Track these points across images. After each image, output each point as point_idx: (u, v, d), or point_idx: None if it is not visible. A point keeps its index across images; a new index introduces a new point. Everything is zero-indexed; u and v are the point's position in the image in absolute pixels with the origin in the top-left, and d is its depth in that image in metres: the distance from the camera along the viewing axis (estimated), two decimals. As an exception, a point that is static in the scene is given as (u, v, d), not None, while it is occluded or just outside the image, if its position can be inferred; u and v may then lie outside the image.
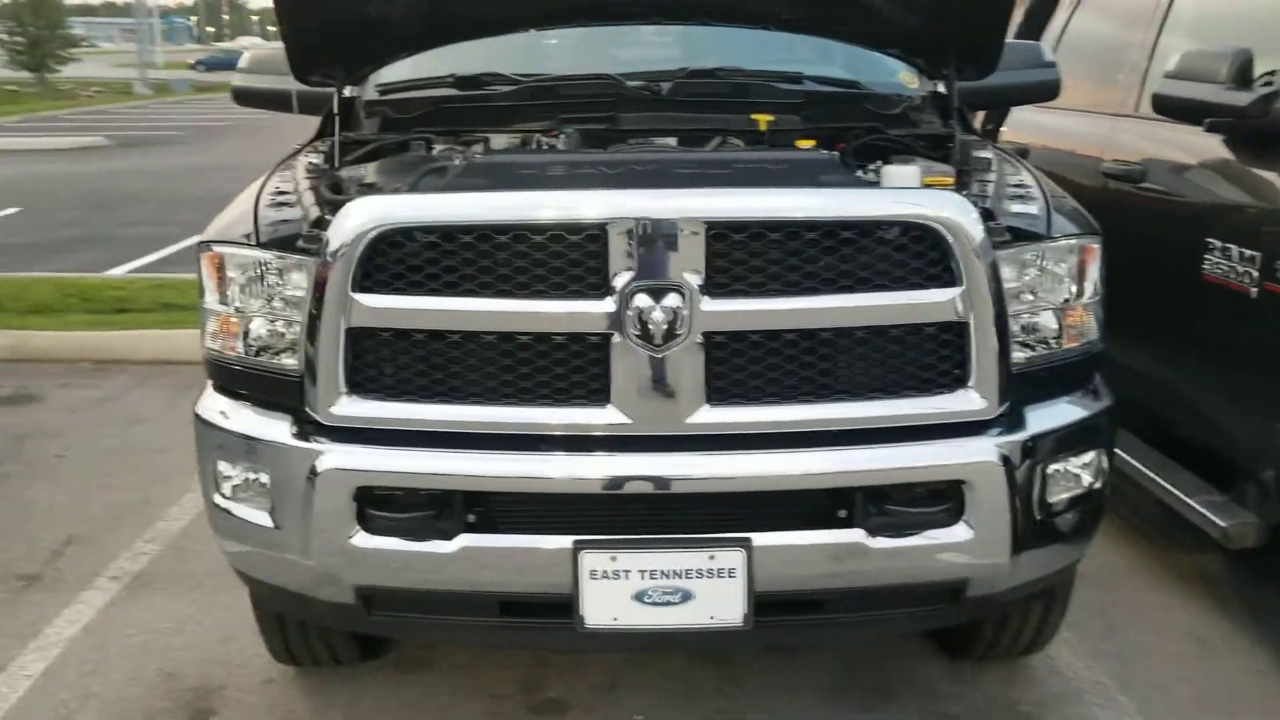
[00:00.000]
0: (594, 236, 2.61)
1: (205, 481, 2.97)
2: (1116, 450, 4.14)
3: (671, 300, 2.59)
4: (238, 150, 19.93)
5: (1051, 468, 2.87)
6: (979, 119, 5.79)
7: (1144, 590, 4.20)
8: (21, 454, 5.78)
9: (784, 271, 2.66)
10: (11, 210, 14.26)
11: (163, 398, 6.53)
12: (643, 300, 2.59)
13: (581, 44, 4.30)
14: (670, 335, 2.61)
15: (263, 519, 2.84)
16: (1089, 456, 2.95)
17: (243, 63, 4.47)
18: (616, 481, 2.67)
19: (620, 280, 2.60)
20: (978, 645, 3.52)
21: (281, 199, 3.06)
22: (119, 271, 9.94)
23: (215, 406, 2.97)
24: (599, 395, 2.68)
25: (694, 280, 2.60)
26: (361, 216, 2.64)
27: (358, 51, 3.58)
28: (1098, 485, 2.99)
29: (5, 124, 28.88)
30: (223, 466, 2.91)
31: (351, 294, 2.66)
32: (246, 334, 2.88)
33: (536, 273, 2.64)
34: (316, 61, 3.55)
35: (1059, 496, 2.90)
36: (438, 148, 3.55)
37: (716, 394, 2.68)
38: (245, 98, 4.38)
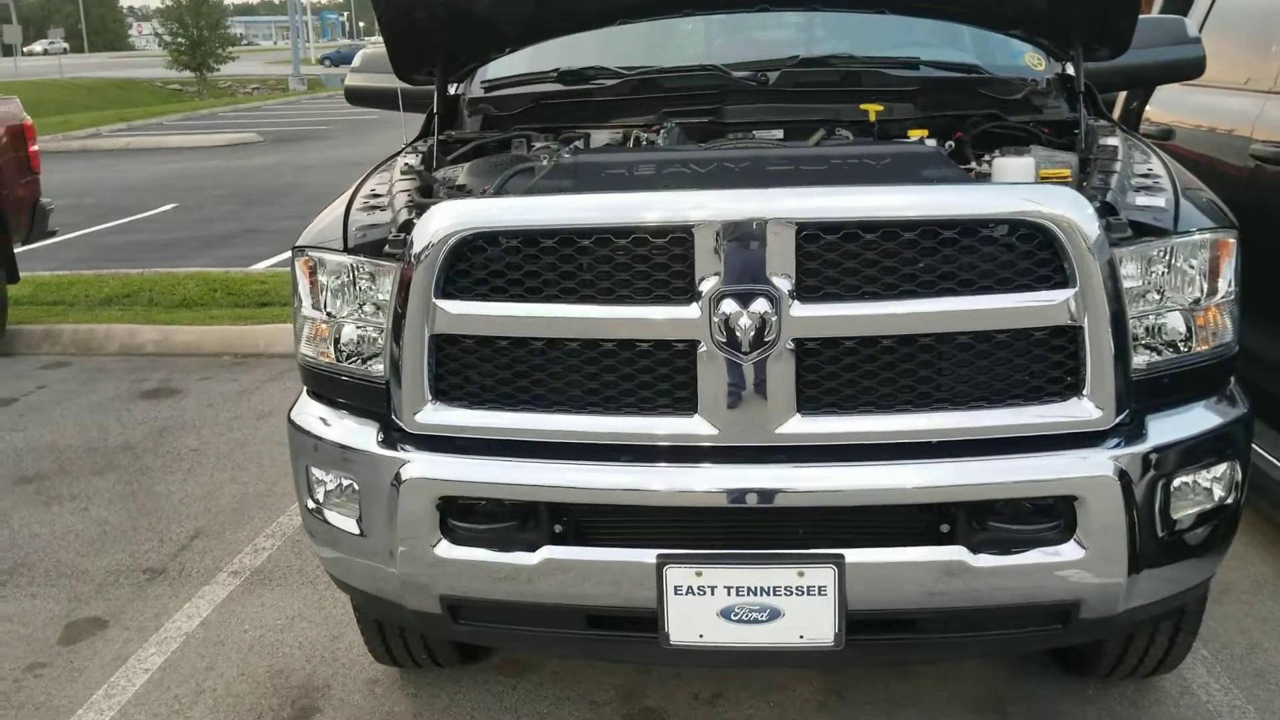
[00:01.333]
0: (679, 239, 2.50)
1: (299, 486, 2.98)
2: (1265, 453, 3.88)
3: (760, 305, 2.47)
4: (383, 143, 20.37)
5: (1177, 481, 2.65)
6: (1120, 99, 5.48)
7: (1293, 605, 3.91)
8: (161, 447, 5.98)
9: (880, 274, 2.51)
10: (169, 206, 14.88)
11: (295, 390, 6.63)
12: (730, 306, 2.48)
13: (692, 34, 4.19)
14: (759, 342, 2.49)
15: (351, 525, 2.83)
16: (1220, 469, 2.72)
17: (356, 61, 4.49)
18: (702, 494, 2.57)
19: (707, 285, 2.49)
20: (1102, 664, 3.31)
21: (374, 202, 3.03)
22: (263, 266, 10.25)
23: (308, 412, 2.97)
24: (685, 404, 2.58)
25: (784, 284, 2.48)
26: (443, 221, 2.59)
27: (456, 49, 3.55)
28: (1229, 500, 2.75)
29: (166, 122, 30.20)
30: (315, 472, 2.91)
31: (435, 300, 2.61)
32: (337, 340, 2.87)
33: (620, 277, 2.55)
34: (417, 59, 3.53)
35: (1185, 512, 2.68)
36: (537, 145, 3.49)
37: (808, 403, 2.55)
38: (357, 97, 4.40)
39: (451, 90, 3.87)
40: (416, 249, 2.60)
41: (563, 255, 2.57)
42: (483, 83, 3.96)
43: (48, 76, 41.34)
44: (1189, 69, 3.96)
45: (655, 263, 2.53)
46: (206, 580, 4.41)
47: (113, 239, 12.58)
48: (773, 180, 2.71)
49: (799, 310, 2.49)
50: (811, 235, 2.48)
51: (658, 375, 2.59)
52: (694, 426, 2.57)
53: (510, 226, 2.59)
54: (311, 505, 2.94)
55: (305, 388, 3.05)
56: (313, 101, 38.10)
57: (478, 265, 2.61)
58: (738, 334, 2.48)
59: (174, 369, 7.48)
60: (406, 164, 3.28)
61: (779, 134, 3.47)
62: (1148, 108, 5.44)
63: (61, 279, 9.49)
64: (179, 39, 41.84)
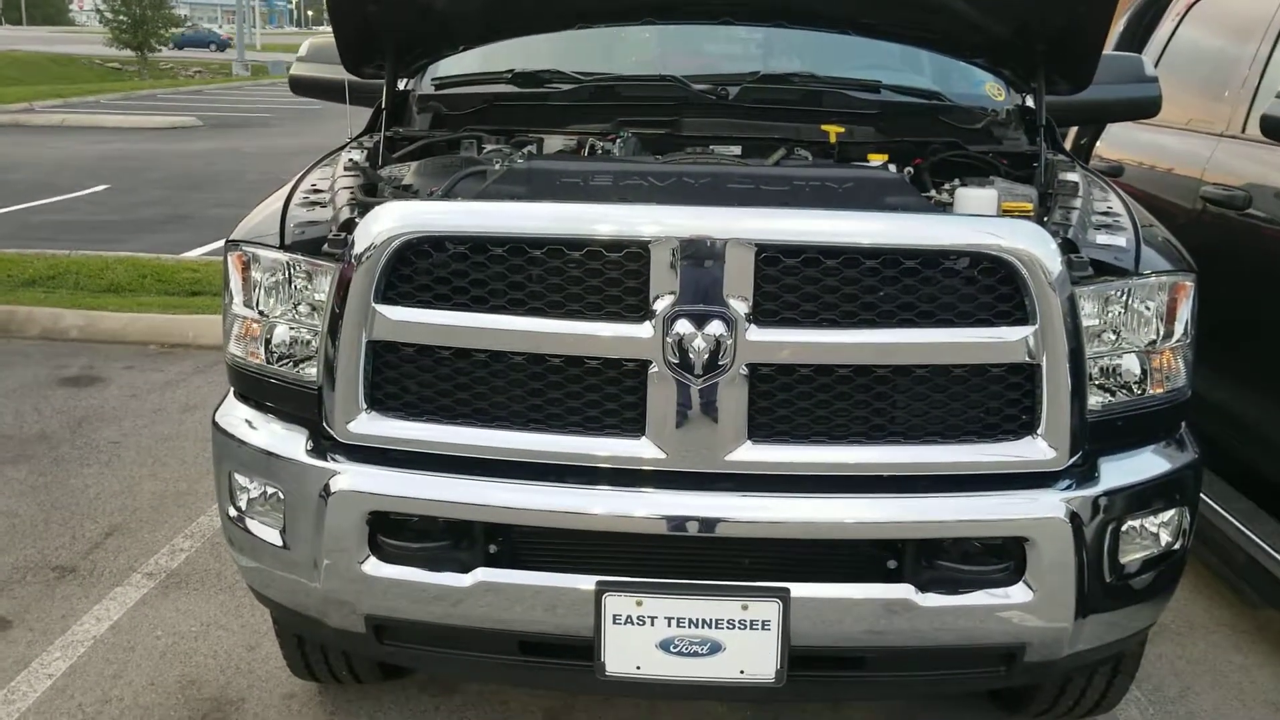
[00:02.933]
0: (634, 255, 2.41)
1: (220, 492, 2.84)
2: (1202, 495, 3.87)
3: (715, 328, 2.39)
4: (327, 135, 20.06)
5: (1126, 526, 2.61)
6: (1071, 134, 5.49)
7: (1224, 649, 3.90)
8: (79, 438, 5.76)
9: (840, 301, 2.44)
10: (101, 187, 14.50)
11: (223, 383, 6.44)
12: (684, 326, 2.39)
13: (652, 43, 4.11)
14: (712, 365, 2.40)
15: (273, 536, 2.70)
16: (1169, 515, 2.69)
17: (303, 50, 4.35)
18: (646, 520, 2.48)
19: (661, 304, 2.40)
20: (1037, 703, 3.26)
21: (315, 198, 2.90)
22: (196, 254, 9.99)
23: (234, 414, 2.84)
24: (633, 426, 2.48)
25: (740, 307, 2.39)
26: (387, 222, 2.47)
27: (408, 43, 3.44)
28: (1177, 546, 2.72)
29: (103, 101, 29.52)
30: (238, 478, 2.77)
31: (375, 304, 2.49)
32: (269, 340, 2.73)
33: (571, 291, 2.45)
34: (366, 52, 3.40)
35: (1132, 557, 2.64)
36: (488, 148, 3.38)
37: (760, 430, 2.47)
38: (302, 87, 4.26)
39: (401, 85, 3.76)
40: (357, 250, 2.48)
41: (512, 265, 2.46)
42: (434, 80, 3.84)
43: (-19, 48, 40.28)
44: (1145, 107, 3.96)
45: (608, 278, 2.43)
46: (119, 581, 4.22)
47: (40, 218, 12.22)
48: (733, 199, 2.63)
49: (755, 334, 2.41)
50: (771, 258, 2.40)
51: (605, 395, 2.49)
52: (641, 449, 2.48)
53: (458, 232, 2.48)
54: (233, 512, 2.81)
55: (232, 388, 2.91)
56: (256, 88, 37.51)
57: (421, 270, 2.49)
58: (691, 356, 2.39)
59: (97, 356, 7.24)
60: (351, 159, 3.16)
61: (737, 150, 3.39)
62: (1098, 144, 5.45)
63: (-20, 259, 9.17)
64: (120, 16, 40.97)
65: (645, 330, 2.41)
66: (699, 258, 2.37)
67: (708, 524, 2.47)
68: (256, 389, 2.80)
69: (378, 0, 3.21)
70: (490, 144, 3.40)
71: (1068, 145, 5.39)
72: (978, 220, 2.59)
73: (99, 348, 7.43)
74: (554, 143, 3.47)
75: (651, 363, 2.43)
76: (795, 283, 2.42)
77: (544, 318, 2.47)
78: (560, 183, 2.72)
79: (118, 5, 40.91)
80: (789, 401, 2.47)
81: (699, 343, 2.38)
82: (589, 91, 3.55)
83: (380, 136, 3.35)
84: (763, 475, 2.49)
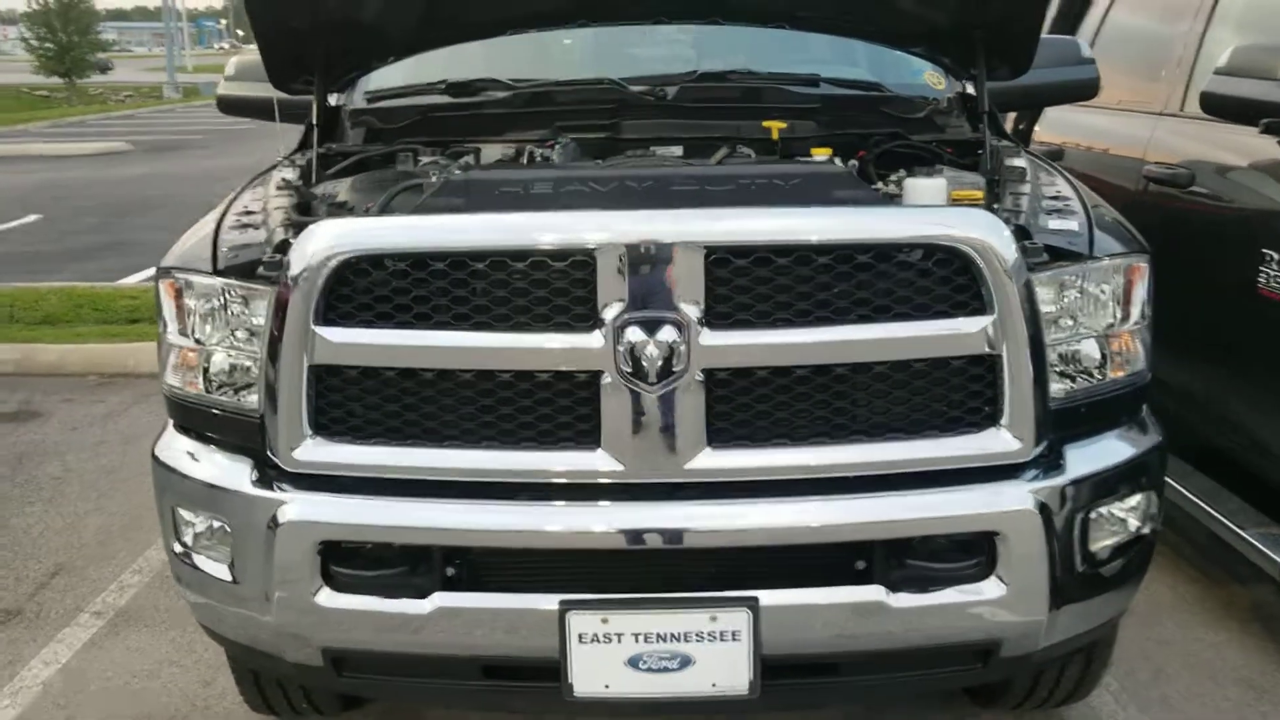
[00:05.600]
0: (580, 263, 2.34)
1: (164, 528, 2.74)
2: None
3: (667, 334, 2.32)
4: (261, 154, 19.77)
5: (1095, 513, 2.58)
6: (1010, 119, 5.48)
7: (1195, 628, 3.89)
8: (19, 474, 5.59)
9: (793, 300, 2.38)
10: (32, 218, 14.17)
11: (164, 413, 6.32)
12: (635, 334, 2.32)
13: (589, 46, 4.04)
14: (666, 372, 2.34)
15: (222, 571, 2.60)
16: (1136, 499, 2.66)
17: (230, 69, 4.24)
18: (606, 535, 2.41)
19: (610, 312, 2.33)
20: (1012, 696, 3.22)
21: (247, 220, 2.80)
22: (133, 280, 9.78)
23: (174, 447, 2.74)
24: (588, 439, 2.41)
25: (692, 311, 2.33)
26: (323, 241, 2.39)
27: (336, 57, 3.34)
28: (1146, 530, 2.69)
29: (32, 129, 28.93)
30: (181, 513, 2.67)
31: (314, 327, 2.40)
32: (207, 369, 2.63)
33: (517, 304, 2.38)
34: (294, 68, 3.31)
35: (1103, 545, 2.61)
36: (424, 160, 3.29)
37: (719, 436, 2.41)
38: (230, 106, 4.16)
39: (332, 100, 3.66)
40: (294, 271, 2.39)
41: (454, 279, 2.38)
42: (366, 93, 3.75)
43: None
44: (1084, 90, 3.96)
45: (554, 288, 2.36)
46: (67, 622, 4.09)
47: (-35, 250, 11.92)
48: (679, 201, 2.57)
49: (708, 338, 2.35)
50: (721, 259, 2.34)
51: (558, 408, 2.42)
52: (597, 462, 2.41)
53: (396, 248, 2.39)
54: (178, 548, 2.70)
55: (171, 420, 2.80)
56: (188, 110, 36.93)
57: (361, 290, 2.41)
58: (644, 364, 2.33)
59: (35, 390, 7.04)
60: (283, 179, 3.06)
61: (678, 151, 3.33)
62: (1036, 127, 5.44)
63: (-96, 293, 8.91)
64: (46, 44, 40.21)
65: (595, 340, 2.34)
66: (647, 263, 2.31)
67: (670, 535, 2.40)
68: (196, 419, 2.70)
69: (304, 14, 3.13)
70: (426, 156, 3.32)
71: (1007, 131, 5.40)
72: (929, 211, 2.55)
73: (36, 381, 7.23)
74: (492, 152, 3.40)
75: (604, 373, 2.36)
76: (747, 284, 2.36)
77: (491, 332, 2.39)
78: (500, 192, 2.65)
79: (43, 33, 40.14)
80: (747, 405, 2.42)
81: (651, 350, 2.32)
82: (525, 98, 3.48)
83: (313, 153, 3.26)
84: (724, 482, 2.43)
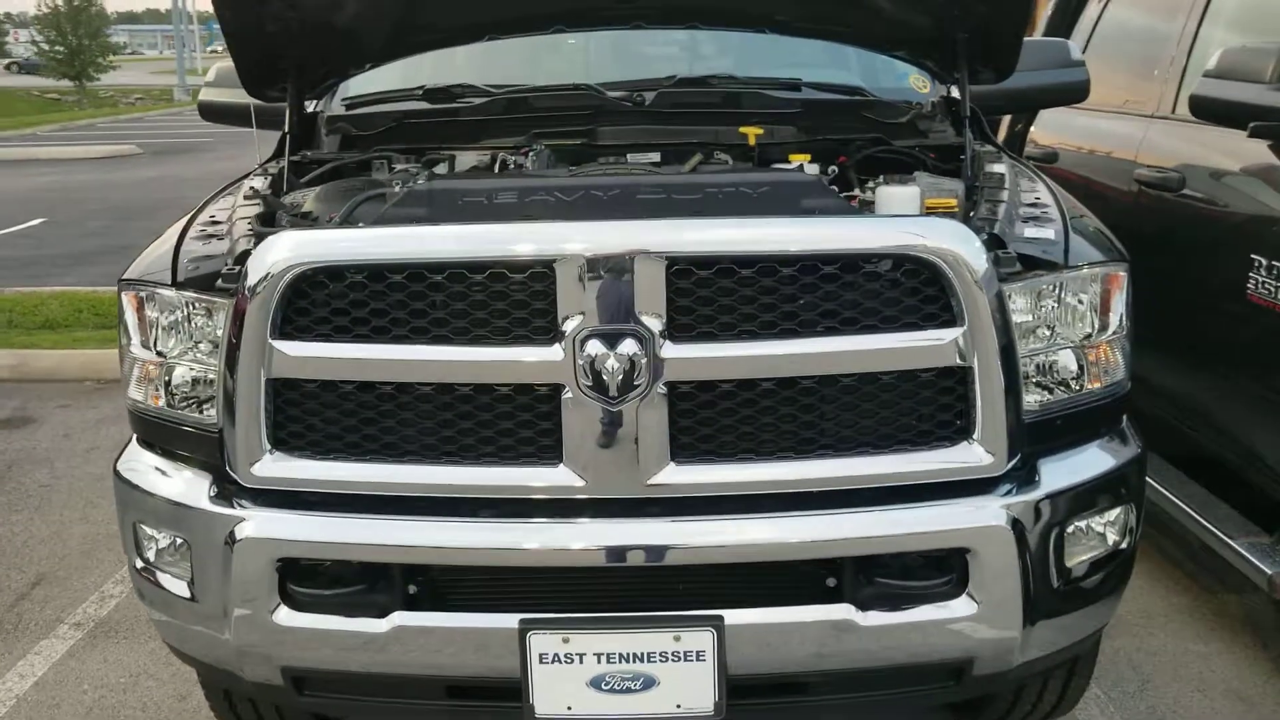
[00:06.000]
0: (539, 275, 2.29)
1: (125, 543, 2.69)
2: (1152, 482, 3.81)
3: (628, 346, 2.27)
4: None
5: (1071, 528, 2.52)
6: (1005, 121, 5.43)
7: (1182, 638, 3.83)
8: (8, 482, 5.57)
9: (758, 312, 2.33)
10: (38, 221, 14.20)
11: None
12: (595, 347, 2.27)
13: (569, 52, 4.00)
14: (627, 386, 2.29)
15: (181, 589, 2.56)
16: (1115, 513, 2.60)
17: (210, 75, 4.22)
18: (567, 553, 2.36)
19: (570, 324, 2.28)
20: (992, 710, 3.16)
21: (212, 230, 2.76)
22: (133, 284, 9.75)
23: (136, 462, 2.69)
24: (550, 454, 2.37)
25: (654, 323, 2.28)
26: (280, 253, 2.34)
27: (311, 63, 3.30)
28: (1124, 544, 2.63)
29: (41, 133, 29.05)
30: (142, 529, 2.63)
31: (272, 341, 2.36)
32: (169, 382, 2.59)
33: (476, 316, 2.33)
34: (268, 74, 3.27)
35: (1080, 559, 2.55)
36: (398, 168, 3.25)
37: (683, 451, 2.36)
38: (211, 113, 4.13)
39: (312, 107, 3.62)
40: (250, 283, 2.35)
41: (413, 292, 2.34)
42: (344, 100, 3.71)
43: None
44: (1073, 93, 3.90)
45: (514, 300, 2.32)
46: (45, 634, 4.06)
47: (-29, 255, 11.94)
48: (642, 210, 2.52)
49: (671, 351, 2.30)
50: (683, 270, 2.29)
51: (519, 422, 2.37)
52: (559, 478, 2.36)
53: (354, 260, 2.35)
54: (140, 564, 2.67)
55: (134, 435, 2.76)
56: (196, 113, 36.99)
57: (319, 302, 2.37)
58: (604, 377, 2.28)
59: (31, 396, 7.02)
60: (252, 188, 3.02)
61: (655, 157, 3.28)
62: (1032, 130, 5.38)
63: (-96, 299, 8.91)
64: (56, 47, 40.40)
65: (555, 353, 2.29)
66: (607, 274, 2.26)
67: (631, 552, 2.35)
68: (158, 434, 2.66)
69: (277, 19, 3.09)
70: (400, 164, 3.28)
71: (1001, 133, 5.35)
72: (897, 220, 2.49)
73: (32, 387, 7.22)
74: (466, 159, 3.35)
75: (565, 387, 2.31)
76: (710, 295, 2.31)
77: (450, 345, 2.35)
78: (462, 202, 2.60)
79: (53, 36, 40.33)
80: (712, 419, 2.36)
81: (612, 363, 2.27)
82: (501, 105, 3.43)
83: (284, 161, 3.21)
84: (689, 498, 2.38)
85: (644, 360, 2.28)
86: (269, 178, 3.16)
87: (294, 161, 3.29)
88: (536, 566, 2.40)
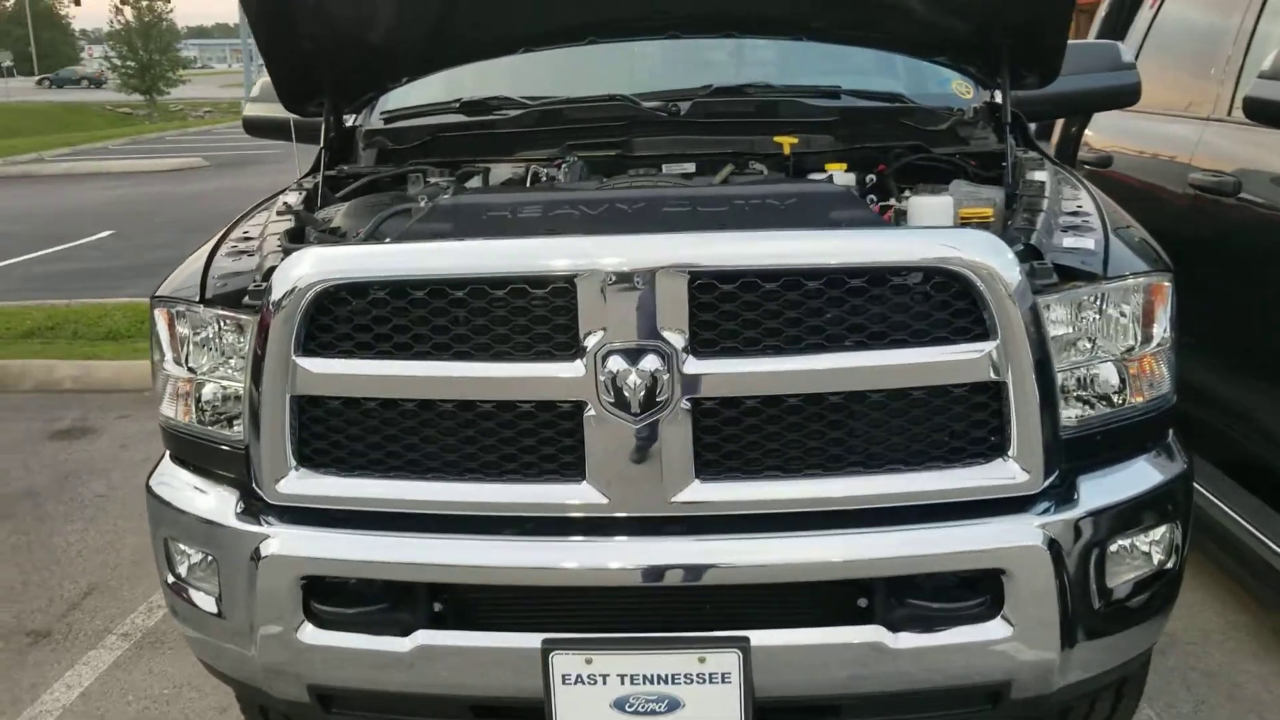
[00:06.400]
0: (560, 290, 2.26)
1: (158, 560, 2.71)
2: (1208, 494, 3.69)
3: (650, 363, 2.23)
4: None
5: (1113, 547, 2.44)
6: (1059, 124, 5.31)
7: (1240, 657, 3.70)
8: (65, 492, 5.66)
9: (784, 326, 2.28)
10: (105, 234, 14.49)
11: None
12: (617, 363, 2.24)
13: (608, 62, 3.97)
14: (650, 402, 2.25)
15: (210, 605, 2.56)
16: (1159, 532, 2.51)
17: (255, 90, 4.25)
18: (590, 572, 2.33)
19: (592, 340, 2.25)
20: (1040, 733, 3.08)
21: (244, 246, 2.77)
22: (195, 295, 9.89)
23: (167, 478, 2.71)
24: (572, 471, 2.33)
25: (677, 339, 2.24)
26: (303, 269, 2.34)
27: (347, 78, 3.31)
28: (1170, 564, 2.54)
29: (112, 147, 29.69)
30: (172, 545, 2.64)
31: (295, 358, 2.35)
32: (199, 399, 2.61)
33: (498, 332, 2.31)
34: (305, 89, 3.29)
35: (1122, 579, 2.47)
36: (432, 181, 3.24)
37: (708, 468, 2.32)
38: (256, 128, 4.16)
39: (351, 121, 3.64)
40: (274, 300, 2.35)
41: (435, 308, 2.32)
42: (382, 113, 3.72)
43: (-5, 100, 40.67)
44: (1124, 96, 3.80)
45: (535, 316, 2.29)
46: (94, 644, 4.10)
47: (43, 268, 12.20)
48: (666, 223, 2.48)
49: (694, 367, 2.25)
50: (706, 285, 2.25)
51: (542, 439, 2.34)
52: (582, 495, 2.33)
53: (377, 276, 2.34)
54: (171, 580, 2.68)
55: (167, 451, 2.78)
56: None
57: (342, 319, 2.36)
58: (626, 394, 2.24)
59: (91, 407, 7.15)
60: (285, 203, 3.03)
61: (690, 168, 3.24)
62: (1087, 133, 5.27)
63: (-20, 312, 9.12)
64: (128, 62, 41.27)
65: (577, 369, 2.26)
66: (629, 289, 2.22)
67: (656, 572, 2.31)
68: (189, 450, 2.68)
69: (312, 36, 3.10)
70: (435, 177, 3.27)
71: (1055, 137, 5.24)
72: (926, 232, 2.43)
73: (93, 398, 7.35)
74: (501, 172, 3.33)
75: (587, 403, 2.28)
76: (734, 309, 2.26)
77: (472, 361, 2.32)
78: (486, 217, 2.58)
79: (125, 52, 41.22)
80: (737, 435, 2.32)
81: (633, 379, 2.23)
82: (536, 117, 3.41)
83: (320, 176, 3.22)
84: (714, 516, 2.34)
85: (666, 376, 2.24)
86: (303, 193, 3.17)
87: (330, 176, 3.30)
88: (559, 586, 2.37)
